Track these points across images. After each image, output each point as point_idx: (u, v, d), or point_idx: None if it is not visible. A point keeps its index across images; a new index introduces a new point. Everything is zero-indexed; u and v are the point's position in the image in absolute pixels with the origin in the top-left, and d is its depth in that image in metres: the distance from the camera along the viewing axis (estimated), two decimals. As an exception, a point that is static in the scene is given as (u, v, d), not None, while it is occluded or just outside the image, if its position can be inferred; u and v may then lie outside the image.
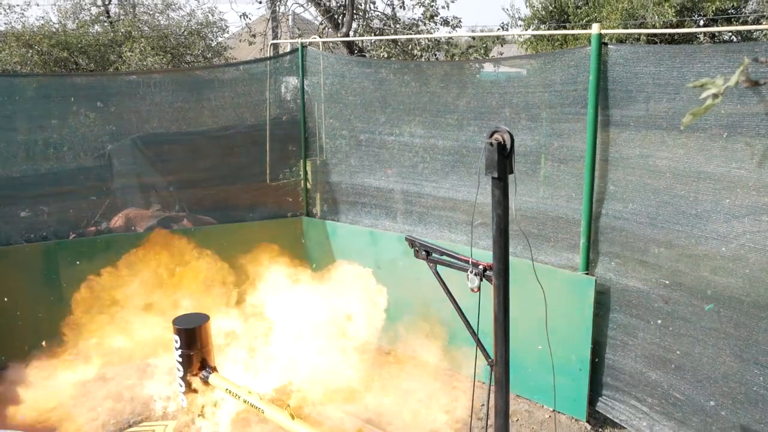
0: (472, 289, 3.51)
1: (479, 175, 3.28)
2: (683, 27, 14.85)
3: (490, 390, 3.64)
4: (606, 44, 4.99)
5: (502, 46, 17.80)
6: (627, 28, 15.10)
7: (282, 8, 15.31)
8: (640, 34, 13.40)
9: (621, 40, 12.65)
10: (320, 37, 9.29)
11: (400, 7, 13.33)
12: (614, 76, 4.98)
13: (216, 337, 6.33)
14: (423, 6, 12.83)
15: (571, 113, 5.36)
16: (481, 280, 3.49)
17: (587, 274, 5.36)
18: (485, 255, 3.57)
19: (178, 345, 5.59)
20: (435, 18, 12.95)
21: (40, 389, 6.18)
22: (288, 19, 16.48)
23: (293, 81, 7.81)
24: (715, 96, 3.10)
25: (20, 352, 6.38)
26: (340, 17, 13.13)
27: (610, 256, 5.25)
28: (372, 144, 6.99)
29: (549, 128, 5.59)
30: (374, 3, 15.30)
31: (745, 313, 4.39)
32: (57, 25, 15.91)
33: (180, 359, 5.61)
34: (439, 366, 5.87)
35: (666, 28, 14.51)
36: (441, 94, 6.35)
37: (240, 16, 14.11)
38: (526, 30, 20.04)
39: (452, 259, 3.77)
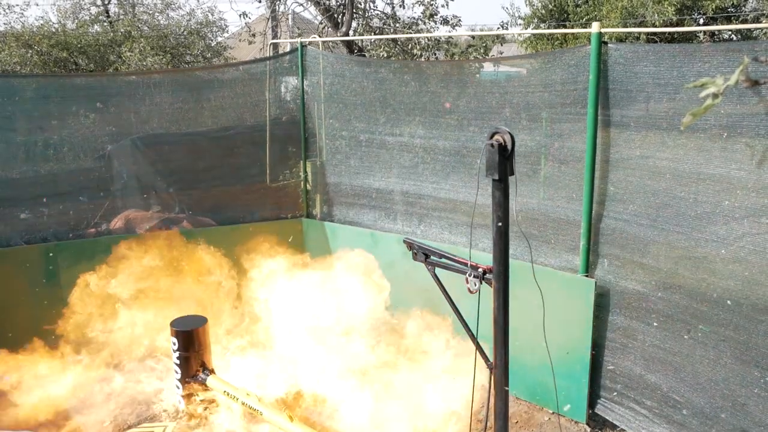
0: (471, 292, 3.50)
1: (479, 176, 3.27)
2: (683, 25, 14.84)
3: (489, 392, 3.63)
4: (606, 43, 4.97)
5: (501, 45, 17.78)
6: (627, 27, 15.09)
7: (282, 7, 15.29)
8: (640, 33, 13.37)
9: (621, 38, 12.64)
10: (320, 36, 9.28)
11: (400, 6, 13.31)
12: (614, 75, 4.96)
13: (219, 336, 6.36)
14: (423, 5, 12.81)
15: (571, 113, 5.34)
16: (480, 282, 3.47)
17: (587, 276, 5.34)
18: (485, 257, 3.55)
19: (175, 347, 5.59)
20: (435, 17, 12.92)
21: (41, 389, 6.18)
22: (288, 19, 16.46)
23: (293, 81, 7.80)
24: (714, 96, 3.08)
25: (20, 351, 6.37)
26: (340, 16, 13.11)
27: (610, 258, 5.23)
28: (372, 144, 6.98)
29: (549, 128, 5.57)
30: (374, 2, 15.31)
31: (745, 315, 4.37)
32: (56, 25, 15.90)
33: (178, 361, 5.61)
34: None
35: (666, 26, 14.49)
36: (441, 94, 6.34)
37: (240, 16, 14.10)
38: (526, 29, 20.02)
39: (451, 262, 3.76)
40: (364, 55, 12.73)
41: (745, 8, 16.61)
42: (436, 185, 6.50)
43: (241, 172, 7.53)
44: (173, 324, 5.68)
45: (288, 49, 9.18)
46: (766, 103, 4.16)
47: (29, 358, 6.38)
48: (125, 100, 7.14)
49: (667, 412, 4.96)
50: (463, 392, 4.58)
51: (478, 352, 3.70)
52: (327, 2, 13.17)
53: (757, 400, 4.38)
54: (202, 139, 7.43)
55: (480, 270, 3.48)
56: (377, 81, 6.86)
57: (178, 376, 5.66)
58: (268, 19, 15.56)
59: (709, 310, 4.59)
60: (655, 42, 12.78)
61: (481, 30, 19.29)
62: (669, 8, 14.79)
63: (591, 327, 5.28)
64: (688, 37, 14.85)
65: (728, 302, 4.46)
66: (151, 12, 17.69)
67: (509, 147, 3.12)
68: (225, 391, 5.51)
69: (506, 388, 3.56)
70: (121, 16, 17.41)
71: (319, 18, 13.66)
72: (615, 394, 5.35)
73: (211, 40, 17.80)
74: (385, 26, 13.36)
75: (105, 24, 17.24)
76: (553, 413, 5.67)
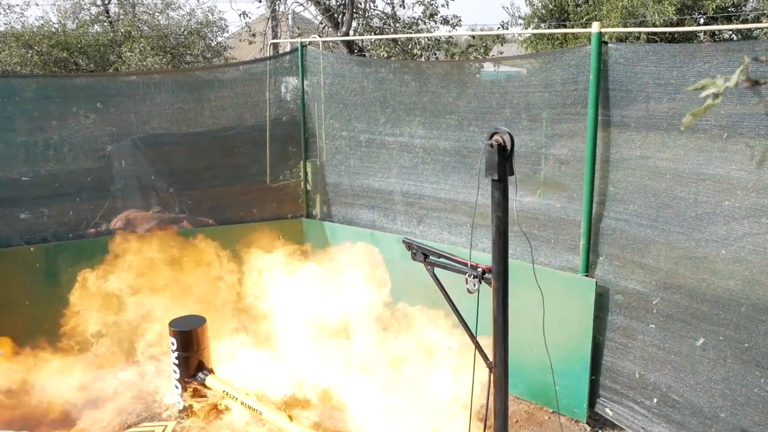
0: (470, 292, 3.50)
1: (479, 177, 3.27)
2: (683, 25, 14.84)
3: (489, 392, 3.63)
4: (606, 43, 4.97)
5: (502, 45, 17.78)
6: (627, 27, 15.08)
7: (282, 7, 15.30)
8: (640, 33, 13.37)
9: (621, 38, 12.65)
10: (320, 36, 9.28)
11: (400, 5, 13.31)
12: (614, 75, 4.96)
13: (224, 333, 6.35)
14: (423, 5, 12.81)
15: (571, 113, 5.34)
16: (480, 282, 3.47)
17: (587, 276, 5.34)
18: (485, 257, 3.55)
19: (174, 347, 5.59)
20: (435, 17, 12.93)
21: (42, 389, 6.19)
22: (288, 19, 16.47)
23: (293, 81, 7.80)
24: (715, 96, 3.08)
25: (20, 352, 6.37)
26: (340, 16, 13.11)
27: (610, 257, 5.23)
28: (372, 144, 6.98)
29: (549, 128, 5.57)
30: (374, 2, 15.29)
31: (745, 315, 4.37)
32: (57, 25, 15.90)
33: (176, 361, 5.62)
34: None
35: (666, 26, 14.48)
36: (441, 94, 6.34)
37: (240, 16, 14.09)
38: (526, 29, 20.02)
39: (450, 262, 3.76)
40: (364, 55, 12.73)
41: (745, 8, 16.60)
42: (436, 185, 6.50)
43: (241, 172, 7.52)
44: (172, 324, 5.69)
45: (288, 49, 9.17)
46: (766, 103, 4.16)
47: (29, 356, 6.39)
48: (125, 100, 7.14)
49: (667, 411, 4.96)
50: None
51: (477, 352, 3.70)
52: (327, 2, 13.17)
53: (757, 399, 4.38)
54: (203, 139, 7.43)
55: (479, 270, 3.47)
56: (377, 81, 6.86)
57: (177, 375, 5.66)
58: (268, 19, 15.57)
59: (709, 310, 4.59)
60: (656, 42, 12.79)
61: (482, 30, 19.30)
62: (669, 8, 14.79)
63: (591, 326, 5.28)
64: (689, 37, 14.85)
65: (728, 302, 4.47)
66: (151, 12, 17.69)
67: (509, 147, 3.11)
68: (224, 391, 5.52)
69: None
70: (121, 16, 17.40)
71: (319, 18, 13.67)
72: (615, 393, 5.35)
73: (212, 40, 17.79)
74: (385, 26, 13.36)
75: (105, 24, 17.24)
76: (553, 412, 5.68)
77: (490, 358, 3.57)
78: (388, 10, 13.45)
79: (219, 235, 7.05)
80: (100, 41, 15.46)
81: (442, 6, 13.01)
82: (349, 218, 7.34)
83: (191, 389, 5.62)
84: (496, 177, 3.15)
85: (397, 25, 13.27)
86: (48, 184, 6.81)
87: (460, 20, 13.35)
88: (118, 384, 6.33)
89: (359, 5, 13.19)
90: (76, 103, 6.93)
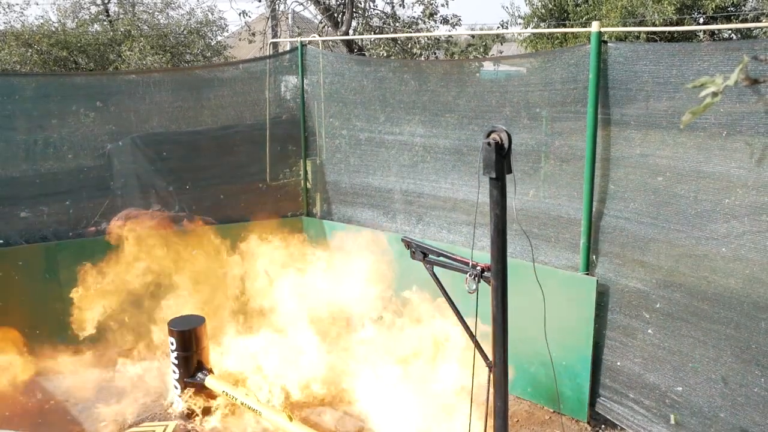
0: (470, 292, 3.49)
1: (479, 175, 3.27)
2: (683, 25, 14.83)
3: (489, 391, 3.63)
4: (606, 42, 4.97)
5: (501, 44, 17.78)
6: (626, 26, 15.08)
7: (281, 7, 15.29)
8: (639, 32, 13.38)
9: (620, 38, 12.65)
10: (320, 35, 9.28)
11: (400, 5, 13.31)
12: (614, 74, 4.96)
13: (224, 334, 6.36)
14: (422, 4, 12.82)
15: (571, 112, 5.34)
16: (479, 281, 3.47)
17: (587, 274, 5.34)
18: (484, 256, 3.55)
19: (173, 347, 5.59)
20: (434, 16, 12.94)
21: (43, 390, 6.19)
22: (287, 18, 16.45)
23: (293, 80, 7.80)
24: (714, 94, 3.07)
25: (20, 352, 6.38)
26: (340, 16, 13.11)
27: (611, 256, 5.23)
28: (372, 143, 6.97)
29: (549, 127, 5.57)
30: (374, 1, 15.29)
31: (746, 314, 4.37)
32: (56, 24, 15.90)
33: (176, 361, 5.61)
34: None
35: (666, 25, 14.49)
36: (441, 93, 6.34)
37: (239, 15, 14.09)
38: (526, 28, 20.01)
39: (449, 261, 3.75)
40: (364, 54, 12.73)
41: (744, 7, 16.60)
42: (435, 184, 6.49)
43: (241, 171, 7.52)
44: (171, 324, 5.68)
45: (288, 48, 9.18)
46: (765, 101, 4.16)
47: (29, 356, 6.39)
48: (125, 99, 7.14)
49: (666, 411, 4.96)
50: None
51: (477, 351, 3.70)
52: (327, 1, 13.17)
53: (757, 399, 4.38)
54: (202, 138, 7.43)
55: (478, 268, 3.47)
56: (377, 80, 6.86)
57: (176, 375, 5.66)
58: (268, 18, 15.58)
59: (709, 308, 4.59)
60: (655, 41, 12.79)
61: (481, 29, 19.30)
62: (669, 7, 14.79)
63: (592, 325, 5.27)
64: (688, 36, 14.86)
65: (729, 300, 4.46)
66: (150, 11, 17.69)
67: (506, 145, 3.11)
68: (224, 391, 5.52)
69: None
70: (121, 15, 17.41)
71: (319, 17, 13.67)
72: (615, 392, 5.35)
73: (211, 39, 17.79)
74: (384, 25, 13.36)
75: (105, 23, 17.24)
76: (553, 412, 5.67)
77: (490, 357, 3.57)
78: (388, 9, 13.46)
79: (219, 233, 7.05)
80: (99, 40, 15.47)
81: (442, 5, 13.02)
82: (348, 217, 7.34)
83: (190, 389, 5.62)
84: (494, 175, 3.15)
85: (397, 24, 13.27)
86: (48, 182, 6.81)
87: (459, 20, 13.36)
88: (120, 382, 6.34)
89: (359, 4, 13.19)
90: (76, 102, 6.93)
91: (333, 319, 6.80)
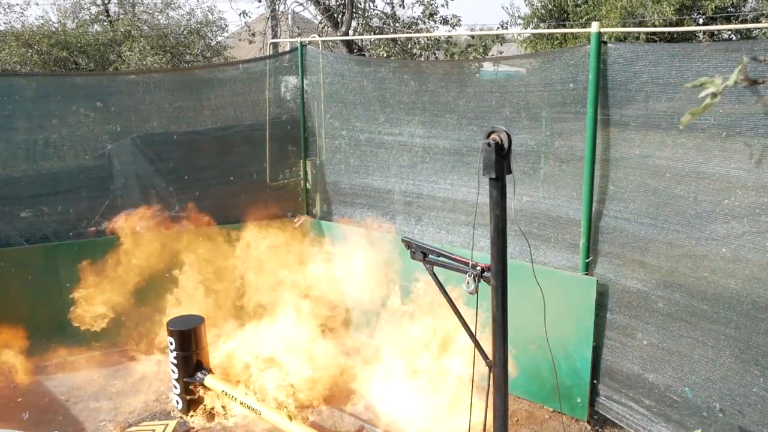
0: (470, 293, 3.50)
1: (479, 176, 3.28)
2: (682, 25, 14.84)
3: (489, 390, 3.63)
4: (605, 43, 4.98)
5: (501, 45, 17.79)
6: (626, 27, 15.09)
7: (281, 7, 15.29)
8: (639, 33, 13.38)
9: (620, 38, 12.65)
10: (320, 36, 9.28)
11: (400, 5, 13.32)
12: (614, 75, 4.96)
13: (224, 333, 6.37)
14: (422, 4, 12.82)
15: (570, 112, 5.34)
16: (479, 281, 3.48)
17: (587, 274, 5.35)
18: (484, 257, 3.55)
19: (173, 347, 5.59)
20: (434, 16, 12.94)
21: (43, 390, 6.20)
22: (287, 18, 16.46)
23: (293, 80, 7.80)
24: (713, 95, 3.09)
25: (20, 351, 6.38)
26: (340, 16, 13.12)
27: (610, 256, 5.24)
28: (371, 144, 6.98)
29: (549, 127, 5.58)
30: (374, 1, 15.30)
31: (745, 314, 4.38)
32: (56, 25, 15.93)
33: (175, 361, 5.62)
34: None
35: (665, 26, 14.50)
36: (440, 93, 6.34)
37: (239, 15, 14.09)
38: (526, 28, 20.02)
39: (449, 261, 3.76)
40: (364, 55, 12.74)
41: (744, 8, 16.61)
42: (434, 184, 6.50)
43: (240, 171, 7.52)
44: (170, 324, 5.69)
45: (288, 48, 9.18)
46: (764, 102, 4.16)
47: (30, 356, 6.40)
48: (125, 99, 7.14)
49: (666, 410, 4.97)
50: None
51: (477, 351, 3.70)
52: (327, 2, 13.17)
53: (756, 399, 4.39)
54: (202, 138, 7.43)
55: (478, 268, 3.48)
56: (377, 80, 6.87)
57: (175, 375, 5.66)
58: (268, 18, 15.58)
59: (709, 308, 4.60)
60: (655, 42, 12.80)
61: (481, 30, 19.31)
62: (668, 8, 14.80)
63: (592, 325, 5.28)
64: (688, 37, 14.86)
65: (728, 300, 4.47)
66: (150, 11, 17.71)
67: (506, 146, 3.12)
68: (223, 391, 5.52)
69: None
70: (121, 16, 17.43)
71: (319, 17, 13.67)
72: (615, 392, 5.36)
73: (211, 40, 17.81)
74: (384, 26, 13.37)
75: (105, 23, 17.26)
76: (553, 411, 5.68)
77: (490, 356, 3.58)
78: (388, 9, 13.47)
79: (219, 234, 7.06)
80: (99, 40, 15.48)
81: (442, 6, 13.03)
82: (348, 217, 7.33)
83: (189, 389, 5.63)
84: (494, 175, 3.15)
85: (397, 24, 13.28)
86: (48, 182, 6.81)
87: (459, 20, 13.37)
88: (120, 382, 6.34)
89: (359, 5, 13.19)
90: (76, 102, 6.93)
91: (332, 317, 6.83)
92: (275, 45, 10.67)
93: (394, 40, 12.84)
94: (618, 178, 5.10)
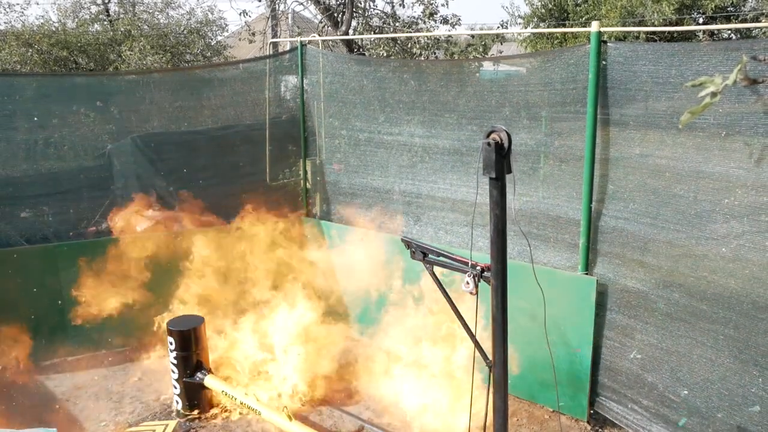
0: (471, 293, 3.50)
1: (478, 176, 3.27)
2: (682, 25, 14.84)
3: (489, 390, 3.63)
4: (605, 42, 4.98)
5: (501, 44, 17.78)
6: (626, 26, 15.09)
7: (281, 6, 15.30)
8: (639, 32, 13.38)
9: (620, 38, 12.65)
10: (320, 35, 9.28)
11: (400, 5, 13.32)
12: (613, 74, 4.96)
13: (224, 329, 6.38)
14: (422, 4, 12.82)
15: (570, 112, 5.34)
16: (479, 281, 3.47)
17: (587, 274, 5.35)
18: (483, 257, 3.55)
19: (173, 347, 5.59)
20: (434, 16, 12.95)
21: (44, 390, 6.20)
22: (287, 18, 16.46)
23: (293, 80, 7.80)
24: (713, 94, 3.09)
25: (20, 351, 6.38)
26: (340, 15, 13.12)
27: (610, 256, 5.23)
28: (371, 143, 6.97)
29: (549, 127, 5.58)
30: (374, 1, 15.29)
31: (745, 314, 4.37)
32: (57, 24, 15.92)
33: (175, 361, 5.62)
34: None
35: (665, 25, 14.49)
36: (440, 93, 6.34)
37: (239, 15, 14.11)
38: (526, 28, 20.02)
39: (449, 261, 3.76)
40: (364, 54, 12.74)
41: (744, 7, 16.61)
42: (434, 184, 6.49)
43: (240, 171, 7.52)
44: (170, 324, 5.69)
45: (288, 47, 9.18)
46: (764, 101, 4.16)
47: (31, 355, 6.40)
48: (125, 99, 7.14)
49: (665, 411, 4.97)
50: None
51: (477, 351, 3.71)
52: (327, 1, 13.17)
53: (754, 399, 4.39)
54: (202, 138, 7.44)
55: (478, 268, 3.48)
56: (377, 80, 6.86)
57: (175, 375, 5.66)
58: (268, 17, 15.58)
59: (708, 308, 4.60)
60: (655, 41, 12.80)
61: (481, 29, 19.30)
62: (668, 7, 14.79)
63: (592, 325, 5.28)
64: (688, 36, 14.87)
65: (728, 300, 4.47)
66: (151, 11, 17.71)
67: (506, 145, 3.12)
68: (223, 391, 5.52)
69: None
70: (121, 15, 17.43)
71: (319, 17, 13.68)
72: (615, 392, 5.36)
73: (211, 39, 17.81)
74: (384, 25, 13.37)
75: (105, 23, 17.26)
76: (553, 411, 5.68)
77: (490, 356, 3.58)
78: (388, 9, 13.47)
79: (218, 233, 7.06)
80: (100, 40, 15.48)
81: (442, 5, 13.04)
82: (347, 217, 7.33)
83: (189, 389, 5.63)
84: (493, 175, 3.15)
85: (397, 24, 13.28)
86: (48, 182, 6.81)
87: (459, 19, 13.38)
88: (121, 382, 6.34)
89: (359, 4, 13.20)
90: (76, 102, 6.93)
91: (331, 315, 6.84)
92: (275, 44, 10.67)
93: (394, 39, 12.84)
94: (618, 177, 5.10)
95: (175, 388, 5.70)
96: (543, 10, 19.91)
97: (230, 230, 7.13)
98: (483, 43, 12.95)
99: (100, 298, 6.47)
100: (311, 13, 14.94)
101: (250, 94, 7.53)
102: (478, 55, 12.80)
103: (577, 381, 5.45)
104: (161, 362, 6.50)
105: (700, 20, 16.05)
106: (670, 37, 12.53)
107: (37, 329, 6.49)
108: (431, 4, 12.77)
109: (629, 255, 5.10)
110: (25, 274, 6.51)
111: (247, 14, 14.20)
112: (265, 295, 6.68)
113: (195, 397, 5.67)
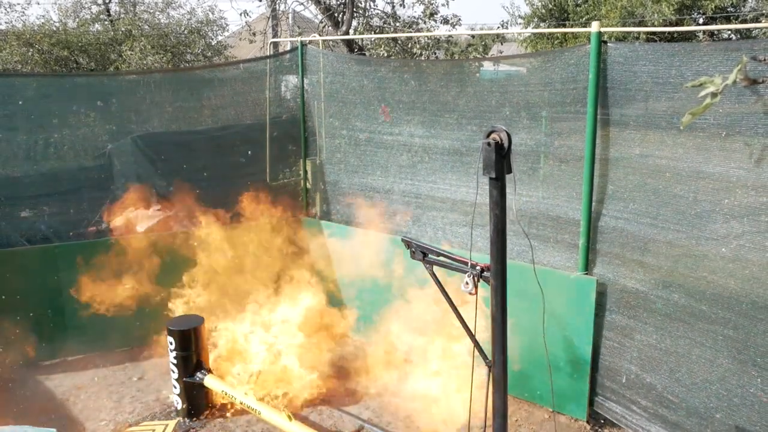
0: (470, 293, 3.50)
1: (478, 176, 3.28)
2: (682, 25, 14.84)
3: (488, 390, 3.63)
4: (605, 42, 4.98)
5: (501, 44, 17.79)
6: (626, 26, 15.09)
7: (282, 6, 15.31)
8: (639, 32, 13.38)
9: (620, 38, 12.65)
10: (320, 35, 9.28)
11: (400, 5, 13.33)
12: (614, 74, 4.96)
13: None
14: (423, 4, 12.83)
15: (570, 112, 5.34)
16: (478, 281, 3.48)
17: (586, 274, 5.35)
18: (483, 258, 3.55)
19: (172, 347, 5.59)
20: (435, 16, 12.95)
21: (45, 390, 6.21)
22: (288, 18, 16.47)
23: (293, 79, 7.80)
24: (713, 95, 3.10)
25: (20, 351, 6.39)
26: (340, 15, 13.12)
27: (609, 256, 5.23)
28: (371, 143, 6.98)
29: (549, 127, 5.58)
30: (374, 1, 15.31)
31: (744, 314, 4.38)
32: (57, 24, 15.93)
33: (175, 361, 5.62)
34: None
35: (665, 26, 14.49)
36: (440, 93, 6.34)
37: (240, 15, 14.11)
38: (526, 28, 20.02)
39: (449, 261, 3.76)
40: (364, 54, 12.74)
41: (744, 8, 16.61)
42: (434, 184, 6.50)
43: (241, 171, 7.52)
44: (170, 324, 5.69)
45: (288, 47, 9.19)
46: (764, 101, 4.16)
47: (32, 355, 6.40)
48: (126, 98, 7.14)
49: (664, 411, 4.97)
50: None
51: (476, 351, 3.71)
52: (327, 1, 13.18)
53: (752, 400, 4.39)
54: (203, 138, 7.44)
55: (478, 268, 3.48)
56: (377, 80, 6.87)
57: (175, 375, 5.67)
58: (269, 17, 15.58)
59: (708, 308, 4.60)
60: (655, 41, 12.79)
61: (481, 29, 19.30)
62: (668, 8, 14.79)
63: (592, 325, 5.28)
64: (688, 37, 14.85)
65: (728, 300, 4.47)
66: (151, 11, 17.72)
67: (506, 145, 3.12)
68: (223, 391, 5.52)
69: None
70: (122, 15, 17.44)
71: (320, 17, 13.68)
72: (614, 392, 5.36)
73: (212, 39, 17.82)
74: (385, 25, 13.37)
75: (106, 23, 17.26)
76: (553, 411, 5.68)
77: (489, 356, 3.58)
78: (388, 9, 13.48)
79: (218, 233, 7.06)
80: (100, 40, 15.49)
81: (442, 5, 13.05)
82: (347, 217, 7.34)
83: (189, 389, 5.63)
84: (493, 175, 3.15)
85: (397, 24, 13.29)
86: (49, 182, 6.81)
87: (459, 19, 13.39)
88: (121, 381, 6.35)
89: (359, 4, 13.20)
90: (77, 102, 6.93)
91: (331, 315, 6.84)
92: (276, 44, 10.67)
93: (394, 39, 12.85)
94: (618, 177, 5.10)
95: (175, 387, 5.70)
96: (543, 10, 19.91)
97: (230, 230, 7.13)
98: (483, 43, 12.96)
99: (100, 297, 6.47)
100: (312, 13, 14.96)
101: (251, 94, 7.53)
102: (478, 55, 12.81)
103: (576, 380, 5.45)
104: (161, 362, 6.50)
105: (700, 21, 16.05)
106: (670, 38, 12.53)
107: (37, 329, 6.49)
108: (431, 4, 12.77)
109: (629, 255, 5.10)
110: (25, 274, 6.51)
111: (247, 14, 14.17)
112: (265, 295, 6.68)
113: (195, 396, 5.67)
